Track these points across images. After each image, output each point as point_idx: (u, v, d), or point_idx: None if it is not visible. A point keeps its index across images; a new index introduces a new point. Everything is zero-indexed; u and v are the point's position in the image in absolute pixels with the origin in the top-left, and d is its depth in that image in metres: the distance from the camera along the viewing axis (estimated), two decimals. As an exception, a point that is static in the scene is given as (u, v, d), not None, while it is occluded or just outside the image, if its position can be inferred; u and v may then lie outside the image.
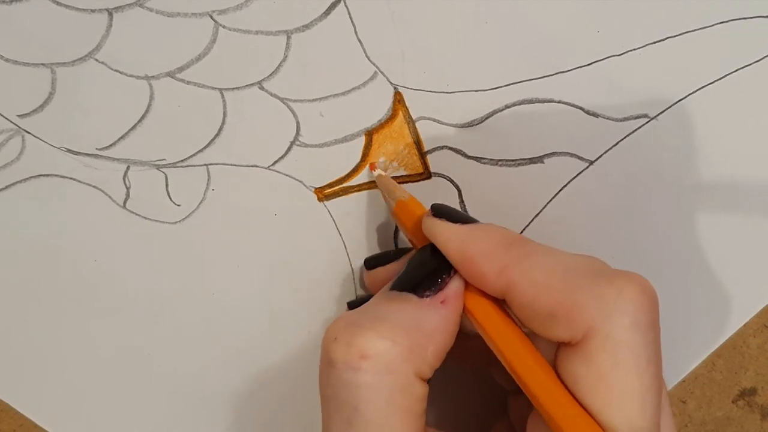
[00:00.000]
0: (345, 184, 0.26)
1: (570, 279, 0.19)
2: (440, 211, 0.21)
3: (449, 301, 0.20)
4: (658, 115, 0.26)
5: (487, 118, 0.26)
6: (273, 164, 0.26)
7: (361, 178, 0.26)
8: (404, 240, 0.27)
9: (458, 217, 0.21)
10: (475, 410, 0.28)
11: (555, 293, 0.19)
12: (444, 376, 0.21)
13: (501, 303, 0.20)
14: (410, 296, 0.20)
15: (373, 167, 0.26)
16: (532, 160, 0.26)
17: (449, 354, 0.20)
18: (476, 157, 0.26)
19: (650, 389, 0.18)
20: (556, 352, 0.19)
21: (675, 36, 0.25)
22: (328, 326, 0.20)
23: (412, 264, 0.21)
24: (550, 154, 0.26)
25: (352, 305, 0.26)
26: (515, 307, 0.19)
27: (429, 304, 0.20)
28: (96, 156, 0.25)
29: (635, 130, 0.26)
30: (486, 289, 0.20)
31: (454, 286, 0.20)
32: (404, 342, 0.19)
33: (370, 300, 0.21)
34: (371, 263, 0.25)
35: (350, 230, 0.26)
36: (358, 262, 0.27)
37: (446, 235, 0.21)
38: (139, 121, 0.25)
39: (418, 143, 0.26)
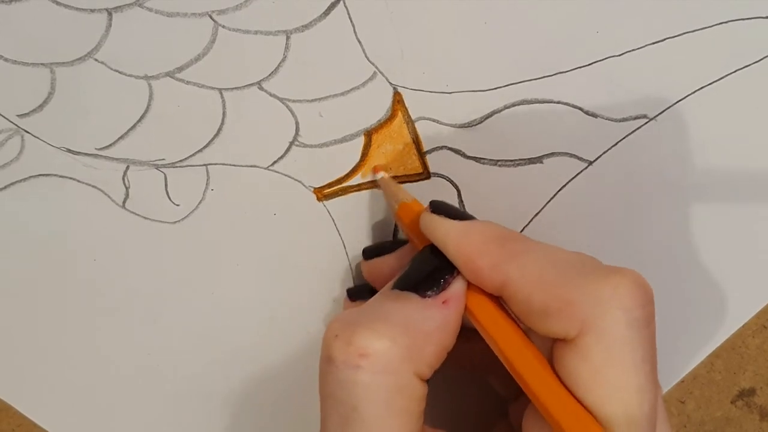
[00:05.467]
0: (344, 184, 0.26)
1: (564, 275, 0.19)
2: (438, 208, 0.22)
3: (451, 301, 0.20)
4: (657, 115, 0.26)
5: (486, 118, 0.26)
6: (272, 164, 0.26)
7: (361, 178, 0.26)
8: (404, 240, 0.27)
9: (455, 213, 0.21)
10: (476, 412, 0.28)
11: (549, 289, 0.19)
12: (445, 377, 0.21)
13: (499, 301, 0.20)
14: (412, 296, 0.20)
15: (377, 169, 0.26)
16: (531, 161, 0.26)
17: (450, 357, 0.20)
18: (475, 158, 0.26)
19: (646, 384, 0.18)
20: (552, 348, 0.19)
21: (674, 36, 0.25)
22: (328, 323, 0.20)
23: (414, 263, 0.21)
24: (550, 154, 0.26)
25: (351, 292, 0.26)
26: (511, 303, 0.20)
27: (431, 304, 0.20)
28: (95, 156, 0.25)
29: (634, 130, 0.26)
30: (483, 285, 0.20)
31: (456, 286, 0.20)
32: (404, 341, 0.19)
33: (372, 298, 0.21)
34: (369, 254, 0.25)
35: (349, 230, 0.26)
36: (358, 261, 0.27)
37: (443, 231, 0.21)
38: (139, 121, 0.25)
39: (417, 143, 0.26)
